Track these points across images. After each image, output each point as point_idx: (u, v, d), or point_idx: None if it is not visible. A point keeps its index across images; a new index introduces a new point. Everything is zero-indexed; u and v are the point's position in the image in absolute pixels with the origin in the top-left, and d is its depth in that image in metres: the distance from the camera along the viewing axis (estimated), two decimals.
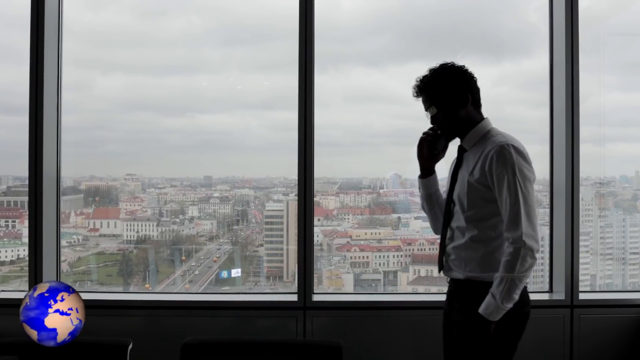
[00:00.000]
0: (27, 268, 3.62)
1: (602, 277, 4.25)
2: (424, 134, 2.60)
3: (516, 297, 2.28)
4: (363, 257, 4.32)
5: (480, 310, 2.31)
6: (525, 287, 2.42)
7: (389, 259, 4.29)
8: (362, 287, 4.28)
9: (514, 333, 2.43)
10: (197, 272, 4.30)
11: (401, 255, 4.31)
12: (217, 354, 2.29)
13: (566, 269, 3.63)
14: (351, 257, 4.31)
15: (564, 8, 3.62)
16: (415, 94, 2.52)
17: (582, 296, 3.65)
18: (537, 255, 2.28)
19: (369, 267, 4.31)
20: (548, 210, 3.81)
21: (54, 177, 3.71)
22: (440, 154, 2.64)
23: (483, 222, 2.41)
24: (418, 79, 2.50)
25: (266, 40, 4.10)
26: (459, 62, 2.45)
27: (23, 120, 3.73)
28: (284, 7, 4.00)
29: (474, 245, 2.43)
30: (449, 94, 2.45)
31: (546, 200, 4.30)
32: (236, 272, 4.31)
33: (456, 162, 2.57)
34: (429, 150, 2.62)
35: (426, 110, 2.52)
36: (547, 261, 3.82)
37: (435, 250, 4.25)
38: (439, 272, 2.63)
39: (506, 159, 2.30)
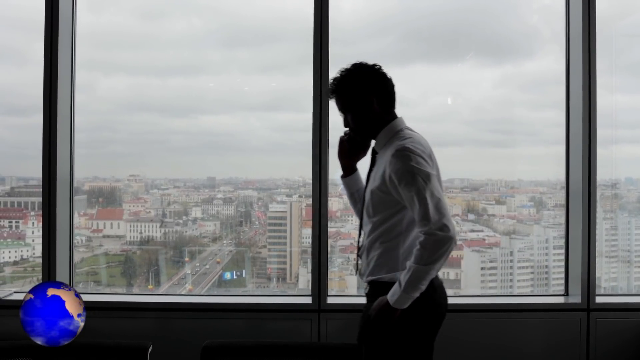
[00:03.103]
0: (30, 269, 3.63)
1: (607, 280, 4.22)
2: (345, 133, 2.64)
3: (422, 287, 2.25)
4: None
5: (388, 296, 2.30)
6: (441, 286, 2.45)
7: None
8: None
9: (427, 333, 2.42)
10: (200, 274, 4.30)
11: None
12: (237, 356, 2.28)
13: (582, 272, 3.62)
14: (354, 259, 4.28)
15: (581, 10, 3.61)
16: (329, 97, 2.54)
17: (598, 299, 3.63)
18: (449, 249, 2.23)
19: None
20: (564, 212, 3.80)
21: (67, 178, 3.74)
22: (361, 153, 2.66)
23: (384, 224, 2.42)
24: (330, 81, 2.52)
25: (268, 41, 4.09)
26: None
27: (26, 122, 3.75)
28: (285, 9, 4.01)
29: (377, 246, 2.45)
30: (354, 97, 2.46)
31: (551, 203, 4.29)
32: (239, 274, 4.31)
33: (370, 164, 2.57)
34: (349, 149, 2.65)
35: (339, 111, 2.54)
36: (563, 264, 3.80)
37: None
38: (356, 274, 2.64)
39: (404, 162, 2.29)
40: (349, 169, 2.72)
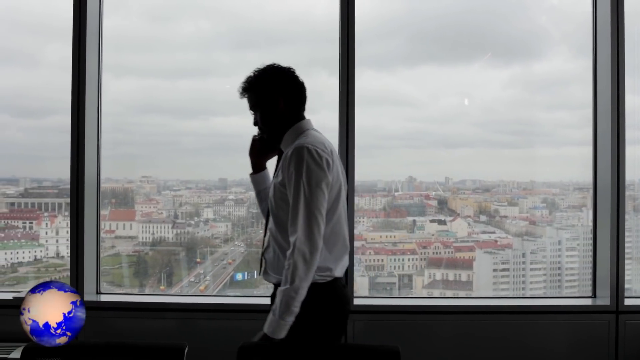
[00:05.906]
0: (44, 269, 3.67)
1: None
2: (257, 132, 2.67)
3: (296, 309, 2.26)
4: (378, 260, 4.28)
5: (265, 329, 2.30)
6: (341, 283, 2.48)
7: (404, 262, 4.25)
8: (377, 291, 4.25)
9: (337, 330, 2.47)
10: (212, 274, 4.31)
11: (416, 259, 4.27)
12: (273, 356, 2.27)
13: (611, 274, 3.58)
14: (366, 260, 4.28)
15: (609, 9, 3.58)
16: (240, 95, 2.58)
17: (627, 302, 3.59)
18: (313, 263, 2.26)
19: (384, 271, 4.27)
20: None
21: (94, 181, 3.79)
22: (270, 152, 2.71)
23: (284, 225, 2.40)
24: (243, 80, 2.56)
25: (277, 44, 4.11)
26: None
27: (38, 124, 3.77)
28: (293, 11, 4.01)
29: (277, 248, 2.46)
30: (263, 96, 2.51)
31: (563, 204, 4.25)
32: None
33: (276, 163, 2.60)
34: (260, 148, 2.70)
35: (249, 110, 2.59)
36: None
37: (451, 254, 4.22)
38: (259, 275, 2.66)
39: (297, 160, 2.32)
40: (257, 167, 2.77)
